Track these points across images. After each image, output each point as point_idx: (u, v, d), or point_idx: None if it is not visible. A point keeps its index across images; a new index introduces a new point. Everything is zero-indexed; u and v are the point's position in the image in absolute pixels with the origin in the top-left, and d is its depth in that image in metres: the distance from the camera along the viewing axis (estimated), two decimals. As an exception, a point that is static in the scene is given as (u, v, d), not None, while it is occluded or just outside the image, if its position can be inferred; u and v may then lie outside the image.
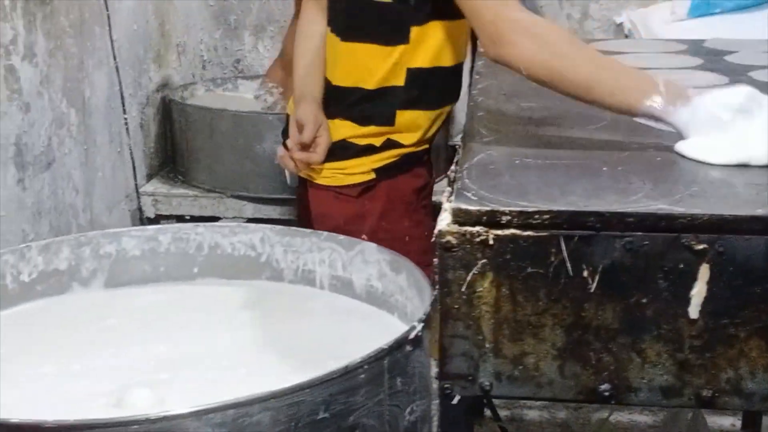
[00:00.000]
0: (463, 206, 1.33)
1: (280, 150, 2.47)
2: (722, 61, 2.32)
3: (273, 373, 1.64)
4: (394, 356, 1.47)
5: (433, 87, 2.35)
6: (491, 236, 1.31)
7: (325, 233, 2.04)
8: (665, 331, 1.32)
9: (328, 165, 2.36)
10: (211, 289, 2.05)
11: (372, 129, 2.34)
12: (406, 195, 2.44)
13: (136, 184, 3.25)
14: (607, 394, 1.35)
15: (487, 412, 2.42)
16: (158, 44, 3.61)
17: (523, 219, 1.30)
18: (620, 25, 3.39)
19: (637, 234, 1.29)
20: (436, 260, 1.37)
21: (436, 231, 1.34)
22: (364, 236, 2.23)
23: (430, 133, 2.44)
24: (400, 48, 2.26)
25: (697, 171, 1.50)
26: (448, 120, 3.31)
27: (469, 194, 1.37)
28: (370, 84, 2.30)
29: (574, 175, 1.49)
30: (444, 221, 1.34)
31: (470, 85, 2.26)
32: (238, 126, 3.33)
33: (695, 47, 2.52)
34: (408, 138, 2.37)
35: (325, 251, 1.99)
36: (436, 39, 2.28)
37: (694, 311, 1.30)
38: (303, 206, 2.49)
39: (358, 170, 2.37)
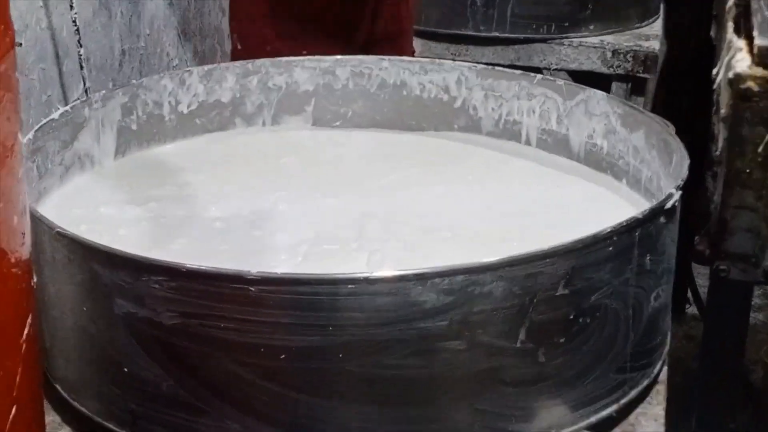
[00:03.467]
0: (770, 44, 1.28)
1: None
2: None
3: (484, 239, 1.64)
4: (647, 228, 1.45)
5: None
6: (805, 86, 1.27)
7: (539, 76, 1.99)
8: None
9: None
10: (392, 137, 2.05)
11: None
12: None
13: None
14: None
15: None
16: None
17: None
18: None
19: None
20: (722, 112, 1.33)
21: (731, 74, 1.30)
22: None
23: None
24: None
25: None
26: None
27: (775, 29, 1.32)
28: None
29: None
30: (742, 64, 1.29)
31: None
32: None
33: None
34: None
35: (537, 98, 1.97)
36: None
37: None
38: None
39: None
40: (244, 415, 1.35)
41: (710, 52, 1.43)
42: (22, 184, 1.15)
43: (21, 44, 1.95)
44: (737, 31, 1.40)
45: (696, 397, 1.50)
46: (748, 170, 1.31)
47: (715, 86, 1.36)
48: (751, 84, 1.28)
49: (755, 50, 1.29)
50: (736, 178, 1.33)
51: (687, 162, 1.56)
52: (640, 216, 1.43)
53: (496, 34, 2.88)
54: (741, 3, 1.49)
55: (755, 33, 1.32)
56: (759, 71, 1.28)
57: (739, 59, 1.31)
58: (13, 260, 1.12)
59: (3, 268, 1.10)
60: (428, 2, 2.87)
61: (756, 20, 1.35)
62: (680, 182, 1.51)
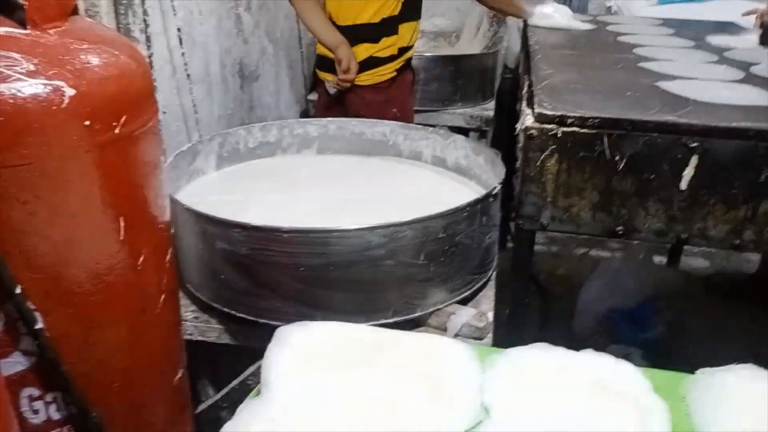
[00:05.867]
0: (542, 111, 1.29)
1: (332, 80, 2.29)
2: (687, 31, 2.20)
3: (402, 210, 1.61)
4: (484, 203, 1.45)
5: (413, 5, 2.24)
6: (559, 131, 1.28)
7: (431, 128, 1.98)
8: (663, 196, 1.29)
9: (366, 73, 2.20)
10: (357, 158, 2.00)
11: (385, 41, 2.19)
12: (408, 84, 2.35)
13: (304, 93, 3.17)
14: (621, 232, 1.34)
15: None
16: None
17: (581, 121, 1.27)
18: (609, 8, 3.22)
19: (654, 134, 1.26)
20: (520, 145, 1.34)
21: (521, 126, 1.31)
22: (395, 110, 2.20)
23: (415, 38, 2.32)
24: None
25: (687, 97, 1.43)
26: (506, 53, 3.21)
27: (544, 104, 1.33)
28: (375, 18, 2.17)
29: (611, 96, 1.44)
30: (529, 120, 1.31)
31: (525, 37, 2.17)
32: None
33: (667, 22, 2.39)
34: (409, 42, 2.26)
35: (430, 140, 1.94)
36: None
37: (684, 184, 1.27)
38: (346, 104, 2.26)
39: (386, 72, 2.22)
40: (282, 298, 1.34)
41: (516, 116, 1.42)
42: (165, 182, 1.15)
43: (165, 112, 1.93)
44: (527, 105, 1.40)
45: (511, 286, 1.48)
46: (531, 174, 1.31)
47: (517, 132, 1.36)
48: (532, 131, 1.29)
49: (535, 114, 1.30)
50: (526, 177, 1.32)
51: (504, 171, 1.58)
52: (480, 197, 1.44)
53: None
54: (529, 90, 1.50)
55: (535, 105, 1.33)
56: (537, 125, 1.29)
57: (527, 118, 1.31)
58: (161, 221, 1.13)
59: (156, 225, 1.11)
60: None
61: (535, 100, 1.37)
62: (500, 180, 1.52)
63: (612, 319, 2.15)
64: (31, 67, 0.84)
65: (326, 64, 2.24)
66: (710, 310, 2.35)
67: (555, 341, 0.94)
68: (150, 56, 1.77)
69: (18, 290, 0.89)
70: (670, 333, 2.09)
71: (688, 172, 1.25)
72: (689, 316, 2.21)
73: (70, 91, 0.85)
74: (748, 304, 2.35)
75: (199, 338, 1.44)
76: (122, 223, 0.98)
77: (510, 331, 1.50)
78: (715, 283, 2.58)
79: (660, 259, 2.70)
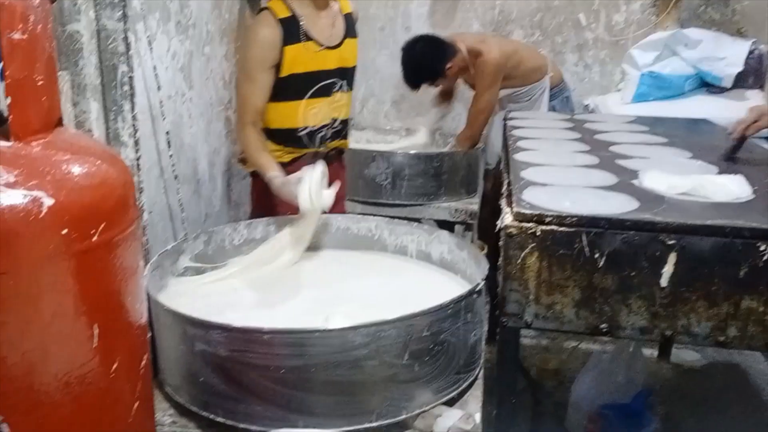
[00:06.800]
0: (521, 210, 1.31)
1: None
2: (658, 130, 2.27)
3: (386, 307, 1.59)
4: (468, 300, 1.44)
5: None
6: (539, 230, 1.29)
7: (416, 223, 1.98)
8: (645, 292, 1.29)
9: None
10: (341, 252, 1.98)
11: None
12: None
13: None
14: (605, 329, 1.33)
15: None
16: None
17: (560, 220, 1.29)
18: (587, 106, 3.34)
19: (631, 232, 1.27)
20: (501, 242, 1.34)
21: (501, 224, 1.32)
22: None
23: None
24: None
25: (663, 196, 1.45)
26: (485, 149, 3.26)
27: (523, 203, 1.35)
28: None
29: (588, 194, 1.46)
30: (508, 219, 1.32)
31: (505, 135, 2.22)
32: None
33: (641, 120, 2.47)
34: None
35: (415, 234, 1.94)
36: None
37: (664, 281, 1.27)
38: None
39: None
40: (262, 402, 1.30)
41: (499, 211, 1.43)
42: (143, 286, 1.13)
43: (151, 212, 1.93)
44: (507, 203, 1.42)
45: (497, 383, 1.44)
46: (513, 271, 1.31)
47: (497, 230, 1.37)
48: (512, 229, 1.29)
49: (513, 213, 1.31)
50: (508, 275, 1.32)
51: (487, 266, 1.58)
52: (464, 293, 1.42)
53: (397, 201, 2.84)
54: (508, 189, 1.52)
55: (514, 205, 1.34)
56: (516, 223, 1.29)
57: (507, 217, 1.32)
58: (137, 325, 1.10)
59: (132, 330, 1.08)
60: (360, 186, 2.84)
61: (514, 198, 1.38)
62: (484, 276, 1.52)
63: (604, 416, 2.08)
64: (11, 179, 0.84)
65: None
66: (705, 404, 2.29)
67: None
68: (138, 158, 1.80)
69: (-17, 403, 0.86)
70: (665, 429, 2.03)
71: (668, 269, 1.25)
72: (683, 410, 2.15)
73: (48, 201, 0.85)
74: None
75: (176, 445, 1.38)
76: (96, 330, 0.96)
77: (499, 430, 1.45)
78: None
79: (651, 352, 2.66)
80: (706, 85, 3.05)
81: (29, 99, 0.90)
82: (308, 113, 2.07)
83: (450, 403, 1.43)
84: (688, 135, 2.13)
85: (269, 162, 2.00)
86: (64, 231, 0.87)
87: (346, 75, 2.12)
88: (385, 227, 1.99)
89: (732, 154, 1.87)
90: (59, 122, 0.97)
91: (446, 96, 3.26)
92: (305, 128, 2.08)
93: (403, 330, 1.32)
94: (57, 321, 0.91)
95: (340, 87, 2.11)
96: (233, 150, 2.48)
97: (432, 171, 2.82)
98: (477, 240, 2.92)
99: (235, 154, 2.16)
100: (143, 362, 1.11)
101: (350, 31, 2.13)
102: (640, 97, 3.03)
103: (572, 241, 1.28)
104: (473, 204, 2.90)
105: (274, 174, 1.95)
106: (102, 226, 0.92)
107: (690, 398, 2.34)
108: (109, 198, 0.95)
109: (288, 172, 2.01)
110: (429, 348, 1.36)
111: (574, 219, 1.27)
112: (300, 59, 1.99)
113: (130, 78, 1.67)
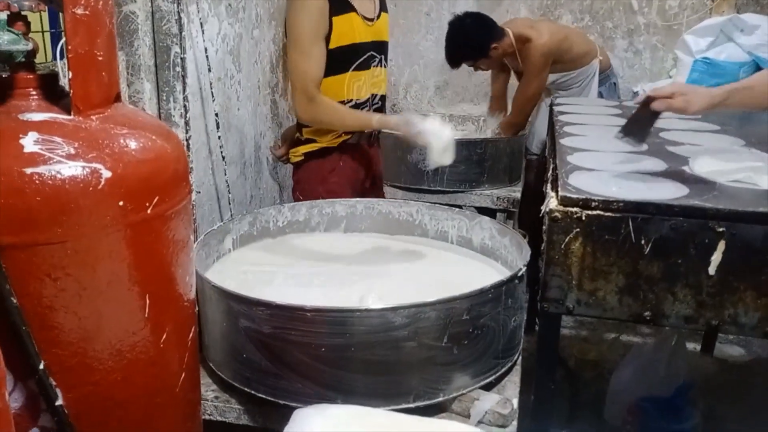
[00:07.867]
0: (567, 194, 1.29)
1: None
2: (711, 117, 2.19)
3: (428, 290, 1.60)
4: (509, 285, 1.44)
5: None
6: (584, 214, 1.27)
7: (457, 209, 1.98)
8: (691, 281, 1.26)
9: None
10: (383, 238, 1.99)
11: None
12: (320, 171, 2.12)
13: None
14: (648, 317, 1.30)
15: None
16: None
17: (606, 205, 1.26)
18: (636, 93, 3.26)
19: (679, 219, 1.24)
20: (545, 227, 1.33)
21: (546, 209, 1.30)
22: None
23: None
24: None
25: (714, 182, 1.41)
26: (531, 137, 3.22)
27: (569, 187, 1.33)
28: None
29: (636, 180, 1.43)
30: (552, 203, 1.30)
31: (551, 119, 2.18)
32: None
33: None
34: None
35: (455, 220, 1.94)
36: None
37: (712, 269, 1.24)
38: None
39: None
40: (303, 379, 1.32)
41: (542, 198, 1.42)
42: (193, 260, 1.16)
43: (199, 192, 1.97)
44: (551, 188, 1.40)
45: (536, 369, 1.44)
46: (556, 257, 1.29)
47: (541, 214, 1.36)
48: (557, 213, 1.28)
49: (558, 197, 1.29)
50: (551, 260, 1.30)
51: (529, 252, 1.58)
52: (505, 279, 1.42)
53: (438, 188, 2.83)
54: (553, 174, 1.51)
55: (559, 189, 1.32)
56: (561, 207, 1.28)
57: (551, 201, 1.30)
58: (186, 298, 1.13)
59: (182, 303, 1.11)
60: (404, 171, 2.84)
61: (559, 183, 1.36)
62: (525, 262, 1.52)
63: (644, 409, 2.05)
64: (72, 151, 0.87)
65: None
66: (748, 401, 2.23)
67: (584, 430, 0.90)
68: (188, 138, 1.83)
69: (41, 366, 0.90)
70: (706, 425, 1.98)
71: (716, 257, 1.22)
72: (726, 407, 2.09)
73: (106, 173, 0.88)
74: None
75: (219, 419, 1.42)
76: (148, 300, 0.99)
77: (536, 418, 1.44)
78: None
79: (693, 346, 2.60)
80: (761, 72, 2.93)
81: (90, 73, 0.93)
82: (352, 86, 1.98)
83: (487, 387, 1.43)
84: (741, 123, 2.06)
85: (364, 112, 1.96)
86: (121, 202, 0.90)
87: (382, 49, 2.06)
88: (426, 212, 1.99)
89: None
90: (117, 98, 1.00)
91: (500, 103, 3.20)
92: (351, 101, 1.99)
93: (443, 312, 1.32)
94: (112, 289, 0.94)
95: (379, 62, 2.05)
96: (275, 138, 2.50)
97: (475, 157, 2.80)
98: (518, 229, 2.90)
99: (276, 147, 2.13)
100: (191, 335, 1.13)
101: (383, 5, 2.08)
102: (692, 83, 2.95)
103: (618, 227, 1.26)
104: (515, 192, 2.87)
105: (379, 116, 1.92)
106: (156, 199, 0.94)
107: (733, 394, 2.28)
108: (164, 172, 0.98)
109: (335, 159, 2.01)
110: (468, 331, 1.36)
111: (621, 204, 1.25)
112: (345, 31, 1.91)
113: (182, 59, 1.70)
